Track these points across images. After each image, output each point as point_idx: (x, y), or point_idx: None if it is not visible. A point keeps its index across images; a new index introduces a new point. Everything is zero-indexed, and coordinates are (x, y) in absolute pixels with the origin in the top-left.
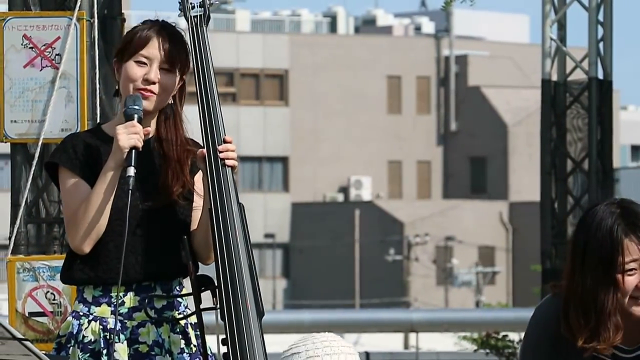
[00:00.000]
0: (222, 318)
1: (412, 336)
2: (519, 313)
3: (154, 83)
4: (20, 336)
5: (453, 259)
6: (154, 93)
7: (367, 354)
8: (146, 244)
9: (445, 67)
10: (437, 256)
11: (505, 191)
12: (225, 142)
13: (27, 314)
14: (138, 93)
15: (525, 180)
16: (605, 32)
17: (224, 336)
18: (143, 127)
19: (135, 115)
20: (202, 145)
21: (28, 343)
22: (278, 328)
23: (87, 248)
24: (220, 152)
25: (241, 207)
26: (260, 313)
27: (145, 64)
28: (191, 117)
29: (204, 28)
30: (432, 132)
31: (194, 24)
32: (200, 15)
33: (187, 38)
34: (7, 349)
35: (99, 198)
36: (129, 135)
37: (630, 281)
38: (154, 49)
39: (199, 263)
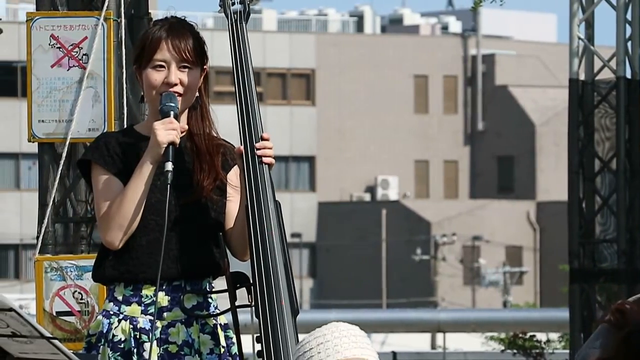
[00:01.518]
0: (257, 316)
1: (440, 336)
2: (546, 313)
3: (175, 85)
4: (48, 335)
5: (480, 258)
6: (179, 94)
7: (394, 354)
8: (179, 240)
9: (472, 67)
10: (464, 256)
11: (532, 191)
12: (262, 139)
13: (54, 313)
14: (171, 92)
15: (552, 179)
16: (633, 30)
17: (258, 334)
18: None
19: (172, 112)
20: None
21: (56, 342)
22: (304, 328)
23: (119, 243)
24: (258, 149)
25: (277, 205)
26: (294, 311)
27: (163, 67)
28: (230, 117)
29: (244, 25)
30: (459, 131)
31: (233, 20)
32: (240, 11)
33: (227, 35)
34: (36, 347)
35: (135, 193)
36: (167, 131)
37: None
38: (167, 52)
39: (231, 260)
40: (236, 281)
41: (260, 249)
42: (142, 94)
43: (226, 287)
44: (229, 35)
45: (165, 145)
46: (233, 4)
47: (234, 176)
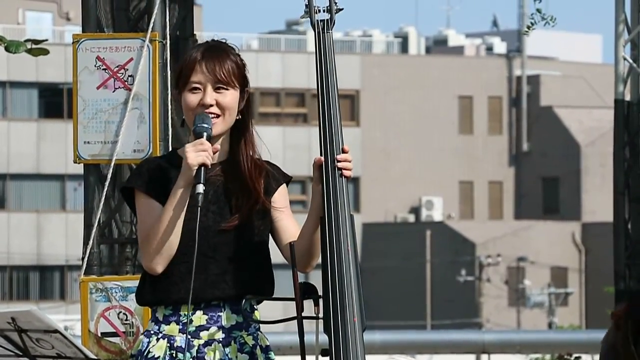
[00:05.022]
0: (326, 328)
1: (484, 358)
2: (592, 335)
3: (211, 105)
4: (92, 356)
5: (525, 279)
6: (216, 114)
7: None
8: (218, 266)
9: (517, 87)
10: (509, 277)
11: (578, 212)
12: (343, 151)
13: (99, 334)
14: (205, 113)
15: (598, 200)
16: None
17: (323, 347)
18: (212, 146)
19: (204, 134)
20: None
21: None
22: None
23: (159, 268)
24: (339, 161)
25: (351, 219)
26: (363, 327)
27: (198, 89)
28: (275, 137)
29: (330, 33)
30: (504, 152)
31: (319, 28)
32: (326, 20)
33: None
34: None
35: (169, 216)
36: (197, 153)
37: None
38: (201, 74)
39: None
40: (304, 292)
41: (335, 262)
42: (183, 117)
43: (286, 297)
44: (315, 43)
45: (195, 168)
46: (318, 11)
47: (280, 197)
